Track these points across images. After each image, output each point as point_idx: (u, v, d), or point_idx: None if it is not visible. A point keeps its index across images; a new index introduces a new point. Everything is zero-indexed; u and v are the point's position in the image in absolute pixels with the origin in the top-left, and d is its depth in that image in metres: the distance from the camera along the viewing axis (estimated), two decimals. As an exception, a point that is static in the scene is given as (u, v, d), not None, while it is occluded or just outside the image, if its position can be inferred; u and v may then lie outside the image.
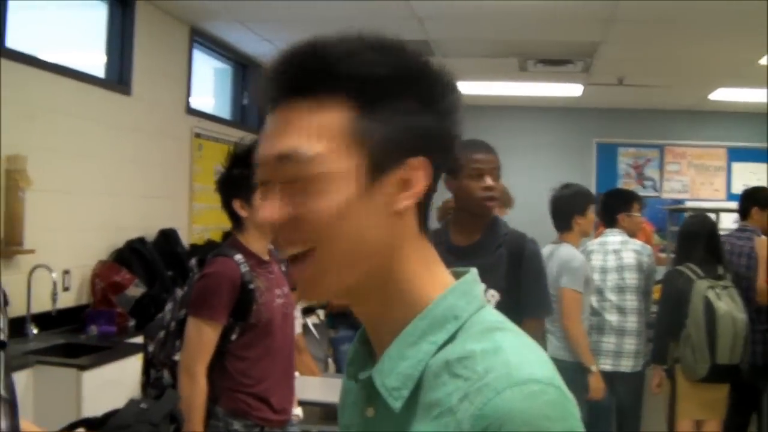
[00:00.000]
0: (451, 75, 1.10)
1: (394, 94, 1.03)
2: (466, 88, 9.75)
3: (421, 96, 1.05)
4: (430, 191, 1.09)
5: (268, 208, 1.05)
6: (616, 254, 5.34)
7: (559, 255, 4.86)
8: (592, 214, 5.05)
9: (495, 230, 3.46)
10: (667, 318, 5.14)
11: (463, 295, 1.07)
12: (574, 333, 4.75)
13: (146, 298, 5.71)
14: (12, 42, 4.98)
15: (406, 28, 6.94)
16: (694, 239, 5.22)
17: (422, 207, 1.09)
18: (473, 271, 1.11)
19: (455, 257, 3.35)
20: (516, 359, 0.96)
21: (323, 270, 1.05)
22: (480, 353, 0.97)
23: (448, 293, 1.06)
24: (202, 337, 3.11)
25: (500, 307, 3.25)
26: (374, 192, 1.03)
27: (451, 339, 1.02)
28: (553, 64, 8.20)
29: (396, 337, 1.05)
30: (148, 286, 5.86)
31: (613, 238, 5.41)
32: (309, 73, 1.03)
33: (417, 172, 1.05)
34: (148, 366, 3.44)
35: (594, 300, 5.18)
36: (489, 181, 3.35)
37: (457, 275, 1.12)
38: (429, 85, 1.06)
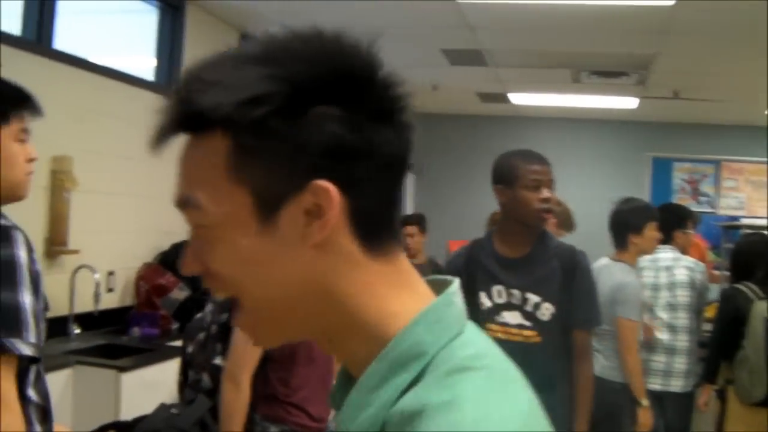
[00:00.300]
0: (384, 72, 0.94)
1: (277, 114, 0.88)
2: (518, 98, 9.67)
3: (321, 105, 0.89)
4: (379, 201, 0.93)
5: (183, 260, 0.97)
6: (668, 271, 5.21)
7: (613, 276, 4.68)
8: (652, 232, 4.79)
9: (545, 242, 3.42)
10: (723, 337, 5.00)
11: (431, 326, 0.90)
12: (630, 364, 4.62)
13: (190, 302, 5.69)
14: (64, 46, 5.00)
15: (458, 37, 6.89)
16: (751, 258, 5.08)
17: (368, 224, 0.92)
18: (450, 291, 0.95)
19: (506, 269, 3.32)
20: (473, 417, 0.80)
21: (253, 321, 0.95)
22: (434, 408, 0.81)
23: (414, 324, 0.90)
24: (250, 345, 3.05)
25: (554, 319, 3.23)
26: (275, 230, 0.90)
27: (417, 380, 0.87)
28: (608, 76, 8.09)
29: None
30: (192, 290, 5.84)
31: (665, 254, 5.27)
32: (180, 112, 0.92)
33: (323, 197, 0.88)
34: (185, 367, 3.41)
35: (644, 318, 5.05)
36: (546, 192, 3.31)
37: (438, 285, 0.98)
38: (335, 90, 0.90)
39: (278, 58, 0.90)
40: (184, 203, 0.94)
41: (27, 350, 1.96)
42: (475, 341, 0.92)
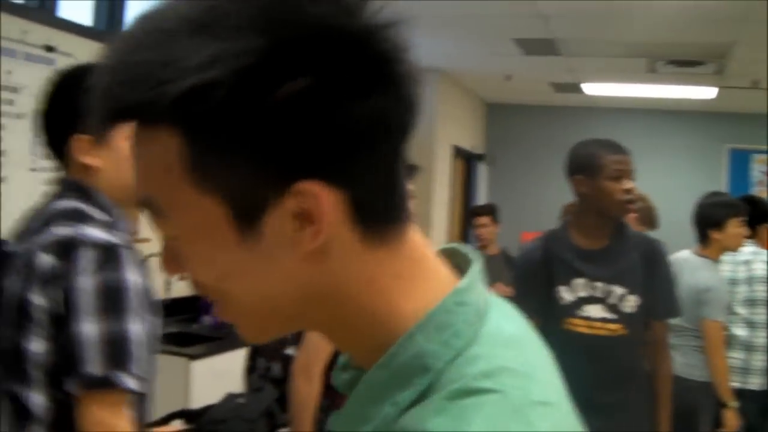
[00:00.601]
0: (367, 17, 0.73)
1: (231, 102, 0.69)
2: (592, 89, 9.55)
3: (288, 81, 0.70)
4: (378, 182, 0.76)
5: (161, 262, 0.82)
6: (746, 265, 5.07)
7: (696, 274, 4.58)
8: (736, 228, 4.67)
9: (624, 233, 3.36)
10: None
11: (437, 333, 0.76)
12: (717, 366, 4.53)
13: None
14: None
15: (531, 26, 6.80)
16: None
17: (369, 211, 0.76)
18: (462, 286, 0.80)
19: (587, 261, 3.27)
20: None
21: (241, 321, 0.82)
22: None
23: (417, 331, 0.76)
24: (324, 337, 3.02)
25: (639, 311, 3.20)
26: (259, 240, 0.74)
27: (422, 397, 0.73)
28: (684, 65, 7.92)
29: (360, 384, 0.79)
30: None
31: (745, 248, 5.13)
32: (109, 109, 0.73)
33: (311, 202, 0.72)
34: (254, 354, 3.41)
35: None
36: (628, 183, 3.24)
37: (461, 261, 0.84)
38: (302, 56, 0.70)
39: (223, 22, 0.70)
40: (145, 205, 0.78)
41: (133, 384, 1.86)
42: (491, 352, 0.76)
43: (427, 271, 0.81)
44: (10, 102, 4.12)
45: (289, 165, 0.72)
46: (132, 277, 1.89)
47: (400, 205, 0.80)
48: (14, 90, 4.12)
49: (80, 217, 1.95)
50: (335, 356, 3.05)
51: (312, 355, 3.02)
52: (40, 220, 2.00)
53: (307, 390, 3.00)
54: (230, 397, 2.61)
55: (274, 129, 0.70)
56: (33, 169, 4.20)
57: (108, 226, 1.97)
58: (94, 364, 1.83)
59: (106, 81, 0.73)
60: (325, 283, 0.77)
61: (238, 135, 0.70)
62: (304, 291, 0.77)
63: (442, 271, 0.83)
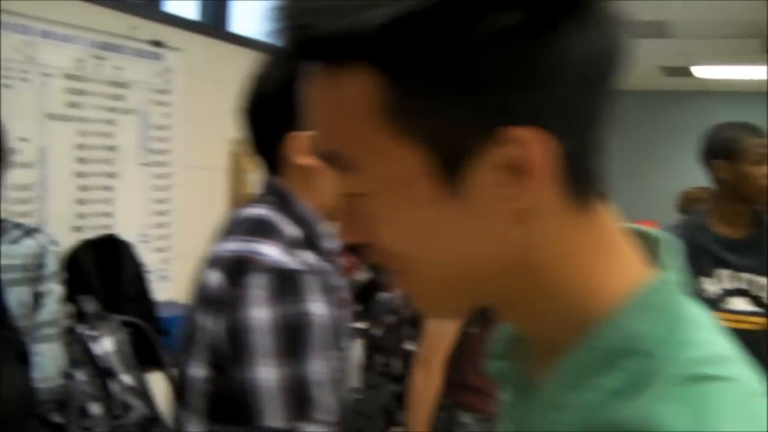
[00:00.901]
0: None
1: (441, 35, 0.61)
2: (704, 72, 9.31)
3: (496, 13, 0.61)
4: (586, 136, 0.69)
5: (341, 228, 0.75)
6: None
7: None
8: None
9: (763, 220, 3.22)
10: None
11: (645, 313, 0.67)
12: None
13: (373, 284, 5.70)
14: (240, 28, 5.11)
15: (639, 8, 6.63)
16: None
17: (578, 171, 0.68)
18: (668, 266, 0.72)
19: (730, 251, 3.15)
20: None
21: (423, 294, 0.74)
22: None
23: (628, 310, 0.67)
24: (444, 328, 2.96)
25: None
26: (459, 196, 0.66)
27: (632, 384, 0.65)
28: (804, 44, 7.65)
29: (556, 369, 0.70)
30: (374, 272, 5.85)
31: None
32: (297, 41, 0.66)
33: (525, 150, 0.63)
34: (371, 350, 3.36)
35: None
36: None
37: (646, 241, 0.75)
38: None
39: None
40: (329, 159, 0.70)
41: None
42: (707, 337, 0.68)
43: (623, 245, 0.73)
44: (120, 98, 4.16)
45: (501, 107, 0.63)
46: (316, 309, 1.62)
47: (599, 166, 0.71)
48: (124, 86, 4.16)
49: (263, 231, 1.70)
50: (459, 351, 2.99)
51: (434, 346, 2.95)
52: (227, 227, 1.78)
53: (424, 382, 2.94)
54: (345, 394, 2.56)
55: (487, 65, 0.62)
56: (143, 164, 4.24)
57: (297, 245, 1.70)
58: (274, 416, 1.59)
59: (293, 9, 0.65)
60: (525, 250, 0.68)
61: (449, 72, 0.62)
62: (501, 258, 0.69)
63: (628, 246, 0.74)
